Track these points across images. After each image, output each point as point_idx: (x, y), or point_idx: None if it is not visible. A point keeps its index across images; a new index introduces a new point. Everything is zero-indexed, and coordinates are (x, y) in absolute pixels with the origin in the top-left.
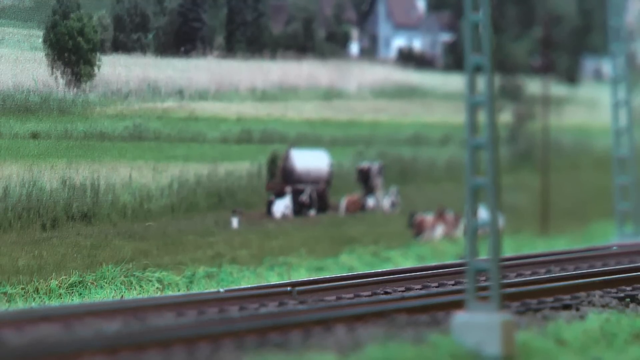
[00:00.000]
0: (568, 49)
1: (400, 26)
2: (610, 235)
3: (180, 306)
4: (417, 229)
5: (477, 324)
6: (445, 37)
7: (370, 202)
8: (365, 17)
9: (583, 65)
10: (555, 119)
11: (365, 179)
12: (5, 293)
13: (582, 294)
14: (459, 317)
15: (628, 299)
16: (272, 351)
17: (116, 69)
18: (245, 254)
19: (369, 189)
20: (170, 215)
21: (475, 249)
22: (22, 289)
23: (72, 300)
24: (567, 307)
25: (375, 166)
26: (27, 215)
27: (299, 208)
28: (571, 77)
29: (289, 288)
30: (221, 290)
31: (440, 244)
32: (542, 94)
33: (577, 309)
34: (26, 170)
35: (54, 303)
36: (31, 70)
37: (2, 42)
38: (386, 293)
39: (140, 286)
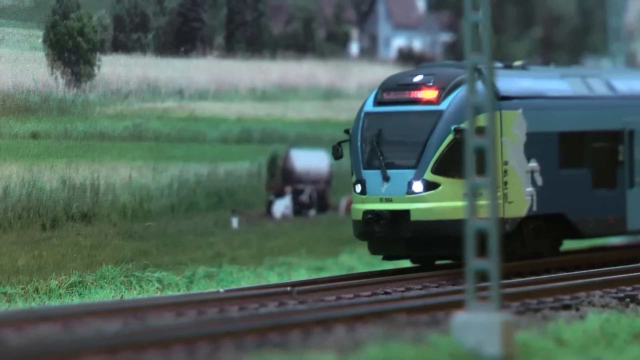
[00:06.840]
0: (568, 49)
1: (400, 26)
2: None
3: (180, 306)
4: None
5: (477, 324)
6: (445, 37)
7: None
8: (365, 17)
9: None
10: None
11: None
12: (5, 293)
13: (582, 294)
14: (459, 317)
15: (628, 299)
16: (272, 351)
17: (116, 69)
18: (245, 254)
19: None
20: (170, 215)
21: (475, 248)
22: (22, 289)
23: (72, 300)
24: (567, 307)
25: None
26: (27, 215)
27: (299, 208)
28: None
29: (289, 288)
30: (221, 290)
31: None
32: None
33: (577, 309)
34: (26, 170)
35: (54, 303)
36: (31, 70)
37: (2, 42)
38: (386, 293)
39: (140, 286)
